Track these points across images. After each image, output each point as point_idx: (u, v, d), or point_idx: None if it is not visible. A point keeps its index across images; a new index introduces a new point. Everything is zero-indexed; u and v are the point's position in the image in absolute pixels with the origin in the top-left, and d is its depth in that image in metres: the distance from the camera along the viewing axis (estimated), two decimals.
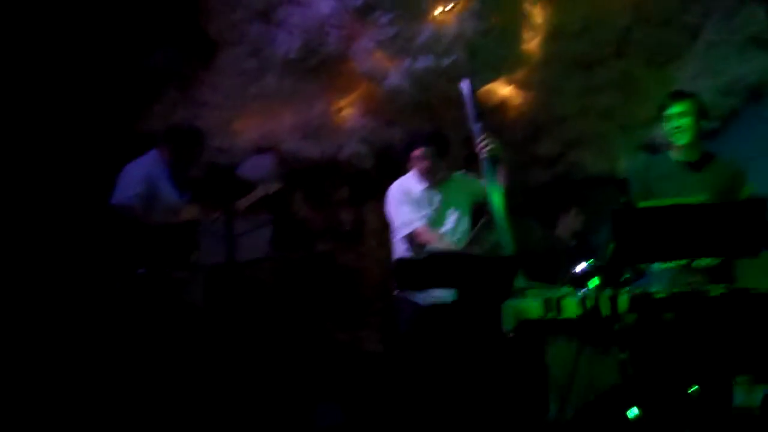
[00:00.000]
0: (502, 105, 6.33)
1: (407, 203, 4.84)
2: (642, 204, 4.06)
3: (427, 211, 4.83)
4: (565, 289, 4.29)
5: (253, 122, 6.28)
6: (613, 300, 3.86)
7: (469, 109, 4.86)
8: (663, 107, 4.53)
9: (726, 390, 4.14)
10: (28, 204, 5.69)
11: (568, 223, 5.84)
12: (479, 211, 4.88)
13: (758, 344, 3.88)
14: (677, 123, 4.46)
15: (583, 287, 4.15)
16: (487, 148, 4.75)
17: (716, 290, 3.91)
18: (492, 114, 6.25)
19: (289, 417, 5.00)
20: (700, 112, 4.50)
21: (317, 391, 5.33)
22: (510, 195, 5.05)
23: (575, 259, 4.60)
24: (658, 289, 4.02)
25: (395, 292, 4.71)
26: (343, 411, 5.11)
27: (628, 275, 4.34)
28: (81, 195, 5.68)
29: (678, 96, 4.54)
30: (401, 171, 5.06)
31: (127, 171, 5.20)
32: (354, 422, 5.02)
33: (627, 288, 4.05)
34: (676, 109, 4.47)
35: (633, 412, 3.71)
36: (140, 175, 5.16)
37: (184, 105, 6.36)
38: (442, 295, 4.56)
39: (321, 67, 6.20)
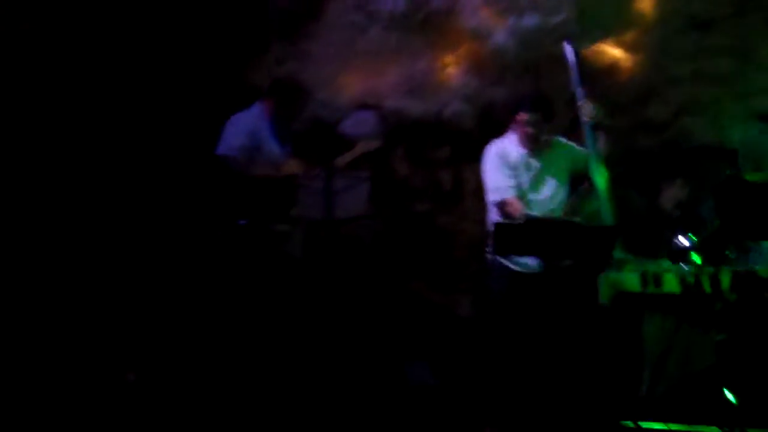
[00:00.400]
0: (611, 67, 6.14)
1: (503, 167, 4.76)
2: (751, 177, 3.91)
3: (523, 178, 4.76)
4: (665, 263, 4.20)
5: (357, 77, 6.29)
6: (715, 278, 3.75)
7: (573, 71, 4.75)
8: None
9: None
10: (138, 151, 5.89)
11: (673, 194, 5.65)
12: (579, 179, 4.78)
13: None
14: None
15: (683, 262, 4.06)
16: (589, 113, 4.63)
17: None
18: (600, 76, 6.08)
19: (382, 374, 5.09)
20: None
21: (409, 351, 5.39)
22: (612, 162, 4.96)
23: (677, 231, 4.49)
24: (761, 268, 3.88)
25: (488, 256, 4.68)
26: (434, 372, 5.16)
27: (732, 252, 4.22)
28: (188, 144, 5.83)
29: None
30: (503, 132, 4.98)
31: (232, 122, 5.32)
32: (444, 384, 5.07)
33: (730, 266, 3.94)
34: None
35: (728, 395, 3.63)
36: (245, 127, 5.27)
37: (291, 57, 6.43)
38: (536, 262, 4.53)
39: (426, 22, 6.15)
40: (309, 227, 5.06)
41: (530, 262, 4.58)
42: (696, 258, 3.99)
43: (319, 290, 5.16)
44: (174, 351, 5.18)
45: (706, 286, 3.79)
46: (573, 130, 4.95)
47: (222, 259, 5.15)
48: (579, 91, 4.74)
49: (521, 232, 4.20)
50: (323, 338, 5.01)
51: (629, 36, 6.07)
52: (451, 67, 6.25)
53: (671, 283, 3.91)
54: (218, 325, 5.12)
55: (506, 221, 4.58)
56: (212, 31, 6.12)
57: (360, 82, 6.26)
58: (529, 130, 4.74)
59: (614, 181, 4.86)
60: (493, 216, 4.78)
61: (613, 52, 6.15)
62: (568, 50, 4.80)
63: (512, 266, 4.66)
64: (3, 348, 4.96)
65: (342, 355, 5.03)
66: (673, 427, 3.89)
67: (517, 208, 4.63)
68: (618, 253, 4.21)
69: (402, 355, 5.33)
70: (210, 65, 6.12)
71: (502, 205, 4.70)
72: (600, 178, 4.59)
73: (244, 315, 4.99)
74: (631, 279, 3.99)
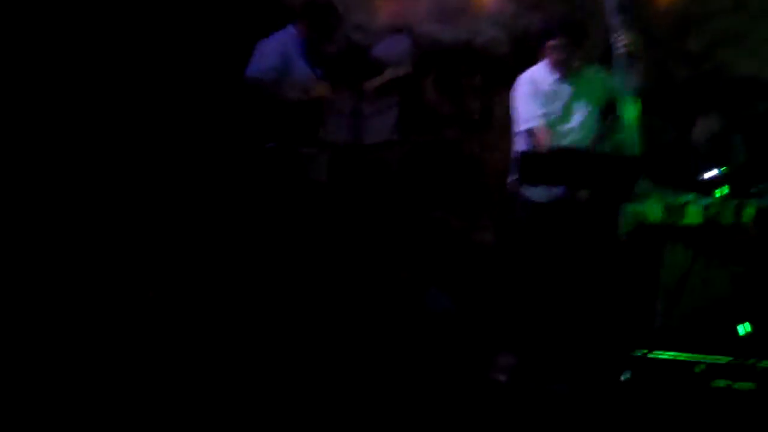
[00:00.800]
0: None
1: (535, 95, 4.73)
2: None
3: (554, 106, 4.72)
4: (691, 195, 4.17)
5: (390, 1, 6.22)
6: (739, 211, 3.72)
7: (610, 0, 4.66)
8: None
9: None
10: (168, 73, 5.92)
11: (707, 126, 5.56)
12: (610, 108, 4.73)
13: None
14: None
15: (710, 195, 4.03)
16: (625, 43, 4.56)
17: None
18: (639, 7, 5.95)
19: (401, 299, 5.15)
20: None
21: (429, 276, 5.44)
22: (647, 94, 4.88)
23: (709, 164, 4.45)
24: None
25: (509, 185, 4.68)
26: (453, 299, 5.22)
27: (760, 187, 4.18)
28: (220, 66, 5.84)
29: None
30: (536, 60, 4.93)
31: (263, 45, 5.31)
32: (463, 310, 5.12)
33: (756, 200, 3.90)
34: None
35: (744, 327, 3.62)
36: (276, 49, 5.26)
37: None
38: (559, 191, 4.52)
39: None
40: (335, 151, 5.08)
41: (553, 192, 4.58)
42: (723, 190, 3.95)
43: (343, 214, 5.20)
44: (203, 275, 5.28)
45: (729, 218, 3.76)
46: (607, 59, 4.87)
47: (251, 182, 5.20)
48: (615, 20, 4.65)
49: (546, 161, 4.19)
50: (345, 263, 5.07)
51: None
52: None
53: (693, 215, 3.89)
54: (246, 249, 5.20)
55: (532, 150, 4.58)
56: None
57: (393, 6, 6.18)
58: (560, 54, 4.70)
59: (647, 113, 4.81)
60: (521, 145, 4.78)
61: None
62: None
63: (534, 197, 4.66)
64: None
65: (363, 280, 5.09)
66: (684, 356, 3.91)
67: (543, 139, 4.62)
68: (644, 185, 4.17)
69: (423, 281, 5.39)
70: None
71: (529, 135, 4.68)
72: (630, 108, 4.53)
73: (269, 239, 5.05)
74: (654, 210, 3.97)
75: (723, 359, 3.80)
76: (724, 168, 4.12)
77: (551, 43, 4.72)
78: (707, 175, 4.26)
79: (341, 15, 5.60)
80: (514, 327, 4.60)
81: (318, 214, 5.07)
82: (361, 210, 5.43)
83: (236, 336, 4.62)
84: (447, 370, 4.49)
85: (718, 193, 3.91)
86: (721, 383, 3.80)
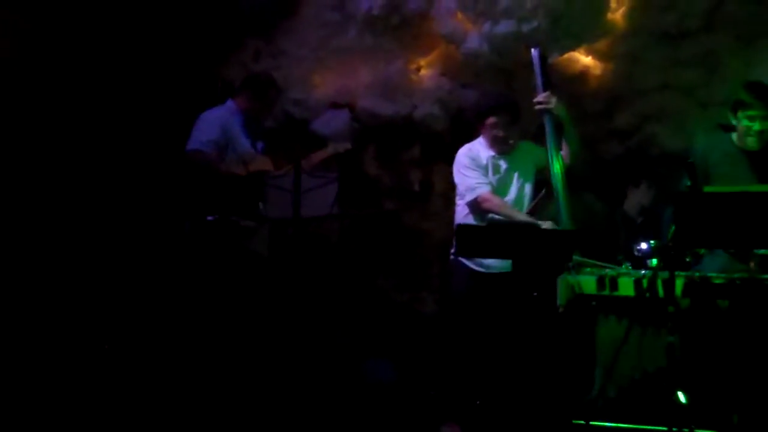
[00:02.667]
0: (582, 75, 6.24)
1: (474, 168, 4.87)
2: (707, 189, 4.01)
3: (492, 179, 4.86)
4: (624, 267, 4.30)
5: (330, 76, 6.36)
6: (670, 283, 3.83)
7: (538, 77, 4.86)
8: (741, 103, 4.35)
9: None
10: (104, 145, 5.92)
11: (637, 199, 5.77)
12: (543, 181, 4.88)
13: None
14: (755, 127, 4.31)
15: (642, 267, 4.15)
16: (544, 102, 4.74)
17: None
18: (571, 83, 6.18)
19: (341, 371, 5.14)
20: None
21: (371, 348, 5.45)
22: (578, 167, 5.05)
23: (640, 236, 4.60)
24: (715, 274, 3.98)
25: (452, 257, 4.77)
26: (396, 369, 5.23)
27: (689, 258, 4.33)
28: (158, 139, 5.87)
29: (761, 96, 4.32)
30: (473, 135, 5.08)
31: (203, 118, 5.34)
32: (405, 381, 5.14)
33: (685, 271, 4.04)
34: (755, 111, 4.30)
35: (679, 396, 3.71)
36: (216, 122, 5.29)
37: (265, 54, 6.48)
38: (498, 263, 4.63)
39: (402, 25, 6.23)
40: (276, 225, 5.10)
41: (492, 263, 4.69)
42: (654, 263, 4.08)
43: (284, 288, 5.21)
44: (137, 345, 5.22)
45: (660, 291, 3.89)
46: (540, 136, 5.04)
47: (189, 254, 5.17)
48: (542, 95, 4.85)
49: (483, 234, 4.28)
50: (286, 335, 5.05)
51: (600, 45, 6.17)
52: (425, 70, 6.34)
53: (626, 287, 4.01)
54: (182, 320, 5.15)
55: (470, 223, 4.69)
56: (186, 26, 6.15)
57: (333, 81, 6.33)
58: (498, 132, 4.84)
59: (579, 187, 4.97)
60: (461, 217, 4.89)
61: (584, 60, 6.25)
62: (535, 56, 4.91)
63: (474, 267, 4.76)
64: None
65: (304, 353, 5.07)
66: (623, 426, 3.98)
67: (496, 203, 4.74)
68: (577, 257, 4.29)
69: (365, 352, 5.39)
70: (183, 60, 6.16)
71: (480, 203, 4.78)
72: (558, 178, 4.69)
73: (208, 311, 5.01)
74: (588, 282, 4.07)
75: (660, 428, 3.86)
76: (655, 241, 4.25)
77: (489, 120, 4.87)
78: (639, 248, 4.40)
79: (281, 90, 5.68)
80: (456, 397, 4.63)
81: (259, 287, 5.06)
82: (303, 283, 5.44)
83: (175, 406, 4.56)
84: None
85: (651, 266, 4.02)
86: None
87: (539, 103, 4.81)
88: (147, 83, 6.08)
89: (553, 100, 4.81)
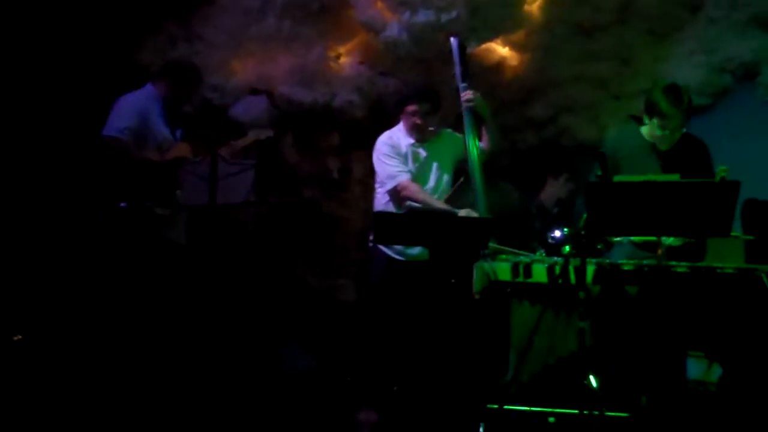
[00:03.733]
0: (499, 65, 6.34)
1: (394, 156, 4.89)
2: (616, 178, 4.12)
3: (411, 167, 4.89)
4: (538, 255, 4.39)
5: (249, 63, 6.30)
6: (581, 270, 3.92)
7: (457, 67, 4.91)
8: (659, 112, 4.31)
9: (680, 364, 4.27)
10: (18, 130, 5.74)
11: (554, 189, 5.90)
12: (460, 171, 4.95)
13: (716, 323, 3.97)
14: (667, 134, 4.35)
15: (556, 254, 4.24)
16: (468, 98, 4.80)
17: (681, 267, 4.00)
18: (488, 73, 6.27)
19: (259, 359, 5.13)
20: (689, 113, 4.38)
21: (288, 336, 5.45)
22: (497, 156, 5.13)
23: (555, 225, 4.70)
24: (624, 261, 4.10)
25: (370, 244, 4.80)
26: (314, 356, 5.24)
27: (601, 246, 4.45)
28: (72, 125, 5.72)
29: (675, 99, 4.29)
30: (393, 122, 5.10)
31: (120, 103, 5.22)
32: (323, 368, 5.15)
33: (596, 259, 4.14)
34: (672, 122, 4.30)
35: (590, 380, 3.81)
36: (133, 108, 5.17)
37: (183, 40, 6.38)
38: (416, 251, 4.68)
39: (321, 12, 6.21)
40: (193, 212, 5.03)
41: (410, 250, 4.74)
42: (567, 250, 4.17)
43: (202, 276, 5.15)
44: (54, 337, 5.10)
45: (572, 277, 3.98)
46: (459, 124, 5.10)
47: (105, 243, 5.07)
48: (462, 86, 4.91)
49: (400, 222, 4.32)
50: (205, 323, 5.01)
51: (517, 36, 6.28)
52: (344, 58, 6.33)
53: (540, 274, 4.09)
54: (97, 308, 5.06)
55: (388, 211, 4.73)
56: (101, 9, 6.00)
57: (252, 67, 6.27)
58: (417, 120, 4.88)
59: (497, 175, 5.05)
60: (380, 205, 4.92)
61: (501, 51, 6.35)
62: (454, 45, 4.95)
63: (392, 254, 4.80)
64: None
65: (222, 340, 5.04)
66: (536, 409, 4.08)
67: (415, 191, 4.77)
68: (492, 245, 4.36)
69: (283, 339, 5.39)
70: (100, 44, 6.01)
71: (398, 191, 4.81)
72: (476, 168, 4.76)
73: (124, 299, 4.93)
74: (502, 269, 4.14)
75: (572, 411, 3.96)
76: (568, 229, 4.34)
77: (410, 108, 4.90)
78: (552, 236, 4.49)
79: (199, 76, 5.60)
80: (375, 383, 4.67)
81: (176, 275, 4.99)
82: (220, 271, 5.39)
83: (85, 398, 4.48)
84: (306, 430, 4.50)
85: (564, 253, 4.11)
86: None
87: (466, 100, 4.83)
88: (60, 67, 5.91)
89: (477, 97, 4.85)
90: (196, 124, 5.71)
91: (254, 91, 6.22)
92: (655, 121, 4.36)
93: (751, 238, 4.63)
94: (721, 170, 4.09)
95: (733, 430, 4.17)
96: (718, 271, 3.99)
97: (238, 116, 6.12)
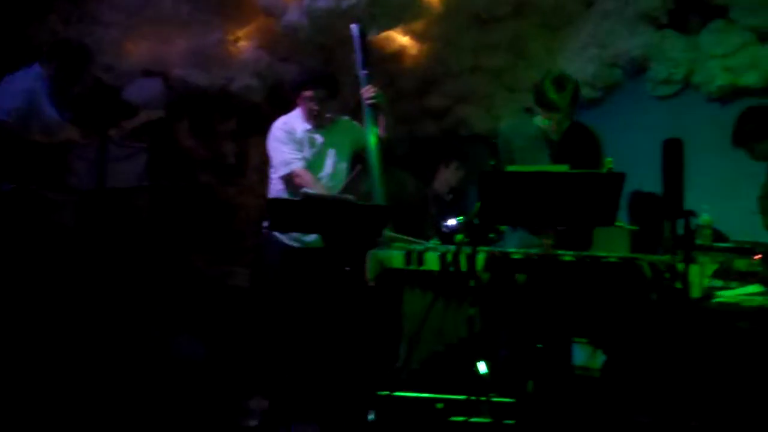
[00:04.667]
0: (399, 54, 6.38)
1: (289, 142, 4.85)
2: (508, 168, 4.20)
3: (307, 153, 4.87)
4: (433, 243, 4.44)
5: (144, 44, 6.14)
6: (471, 257, 3.99)
7: (358, 54, 4.90)
8: (546, 103, 4.39)
9: (566, 350, 4.40)
10: None
11: (447, 178, 5.97)
12: (358, 158, 4.95)
13: (600, 310, 4.09)
14: (552, 118, 4.42)
15: (450, 242, 4.29)
16: (370, 95, 4.81)
17: (568, 256, 4.11)
18: (387, 62, 6.31)
19: (149, 346, 5.04)
20: (576, 102, 4.47)
21: (180, 323, 5.37)
22: (393, 145, 5.16)
23: (449, 214, 4.76)
24: (513, 250, 4.19)
25: (264, 231, 4.77)
26: (206, 345, 5.18)
27: (493, 235, 4.53)
28: None
29: (560, 89, 4.37)
30: (292, 108, 5.06)
31: (6, 83, 5.05)
32: (215, 356, 5.11)
33: (487, 247, 4.22)
34: (554, 101, 4.36)
35: (478, 366, 3.89)
36: (20, 88, 5.02)
37: (76, 18, 6.19)
38: (312, 238, 4.68)
39: None
40: (83, 196, 4.90)
41: (306, 237, 4.73)
42: (460, 238, 4.23)
43: (90, 260, 5.02)
44: None
45: (463, 265, 4.04)
46: (358, 111, 5.10)
47: None
48: (362, 73, 4.89)
49: (295, 208, 4.29)
50: (93, 310, 4.89)
51: (417, 26, 6.33)
52: (242, 42, 6.25)
53: (432, 262, 4.13)
54: None
55: (282, 198, 4.70)
56: None
57: (148, 49, 6.12)
58: (314, 106, 4.85)
59: (393, 163, 5.07)
60: (275, 191, 4.89)
61: (401, 39, 6.39)
62: (355, 32, 4.94)
63: (288, 241, 4.79)
64: None
65: (111, 327, 4.93)
66: (425, 396, 4.14)
67: (308, 179, 4.75)
68: (388, 233, 4.39)
69: (174, 327, 5.30)
70: None
71: (292, 177, 4.78)
72: (374, 158, 4.78)
73: (6, 283, 4.77)
74: (396, 257, 4.16)
75: (460, 396, 4.04)
76: (461, 217, 4.40)
77: (306, 93, 4.86)
78: (446, 224, 4.56)
79: (91, 56, 5.45)
80: (266, 371, 4.65)
81: (63, 260, 4.86)
82: (111, 256, 5.26)
83: None
84: (197, 418, 4.45)
85: (457, 241, 4.16)
86: (459, 418, 4.03)
87: (368, 98, 4.83)
88: None
89: (378, 91, 4.86)
90: (87, 105, 5.55)
91: (149, 73, 6.08)
92: (542, 110, 4.46)
93: (635, 228, 4.79)
94: (607, 162, 4.22)
95: (616, 415, 4.32)
96: (603, 260, 4.10)
97: (131, 98, 5.98)
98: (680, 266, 3.85)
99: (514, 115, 6.15)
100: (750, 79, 5.83)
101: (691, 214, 3.66)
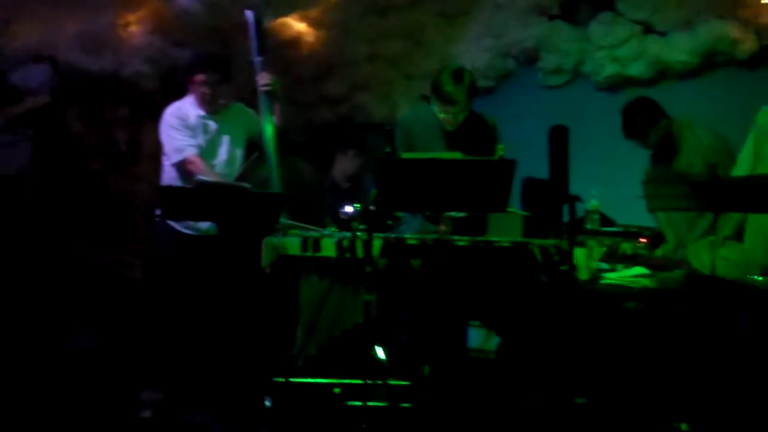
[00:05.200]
0: (295, 41, 6.34)
1: (182, 129, 4.76)
2: (404, 155, 4.24)
3: (201, 140, 4.80)
4: (329, 230, 4.44)
5: (32, 26, 5.90)
6: (368, 244, 4.01)
7: (252, 41, 4.85)
8: (441, 96, 4.44)
9: (461, 334, 4.49)
10: None
11: (344, 166, 5.98)
12: (254, 146, 4.90)
13: (494, 294, 4.18)
14: (450, 111, 4.47)
15: (348, 229, 4.30)
16: (265, 82, 4.77)
17: (462, 241, 4.18)
18: (284, 48, 6.27)
19: (40, 338, 4.89)
20: (473, 95, 4.52)
21: (71, 314, 5.22)
22: (290, 132, 5.13)
23: (346, 201, 4.77)
24: (409, 236, 4.24)
25: (157, 219, 4.67)
26: (98, 335, 5.06)
27: (390, 222, 4.57)
28: None
29: (457, 83, 4.42)
30: (185, 95, 4.97)
31: None
32: (108, 347, 4.99)
33: (384, 233, 4.25)
34: (450, 94, 4.42)
35: (376, 351, 3.92)
36: None
37: None
38: (206, 225, 4.62)
39: None
40: None
41: (200, 225, 4.66)
42: (357, 225, 4.25)
43: None
44: None
45: (360, 252, 4.06)
46: (254, 99, 5.05)
47: None
48: (257, 60, 4.85)
49: (189, 196, 4.22)
50: None
51: (313, 13, 6.31)
52: (134, 26, 6.08)
53: (329, 248, 4.14)
54: None
55: (175, 185, 4.62)
56: None
57: (35, 32, 5.89)
58: (207, 90, 4.76)
59: (290, 151, 5.04)
60: (168, 178, 4.79)
61: (297, 26, 6.35)
62: (249, 18, 4.89)
63: (182, 229, 4.71)
64: None
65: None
66: (322, 381, 4.16)
67: (201, 167, 4.68)
68: (284, 220, 4.36)
69: (65, 318, 5.16)
70: None
71: (185, 164, 4.70)
72: (270, 145, 4.75)
73: None
74: (292, 243, 4.16)
75: (357, 381, 4.06)
76: (359, 204, 4.41)
77: (198, 78, 4.77)
78: (344, 211, 4.56)
79: None
80: (160, 362, 4.57)
81: None
82: None
83: None
84: (90, 411, 4.34)
85: (354, 228, 4.18)
86: (356, 403, 4.06)
87: (263, 85, 4.78)
88: None
89: (274, 79, 4.81)
90: None
91: (37, 57, 5.86)
92: (439, 102, 4.51)
93: (526, 214, 4.90)
94: (499, 149, 4.30)
95: (511, 396, 4.43)
96: (495, 245, 4.19)
97: (17, 83, 5.75)
98: (567, 249, 3.96)
99: (412, 103, 6.21)
100: (636, 69, 6.04)
101: (577, 198, 3.76)
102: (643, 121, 4.94)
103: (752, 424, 3.95)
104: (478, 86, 4.67)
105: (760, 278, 3.84)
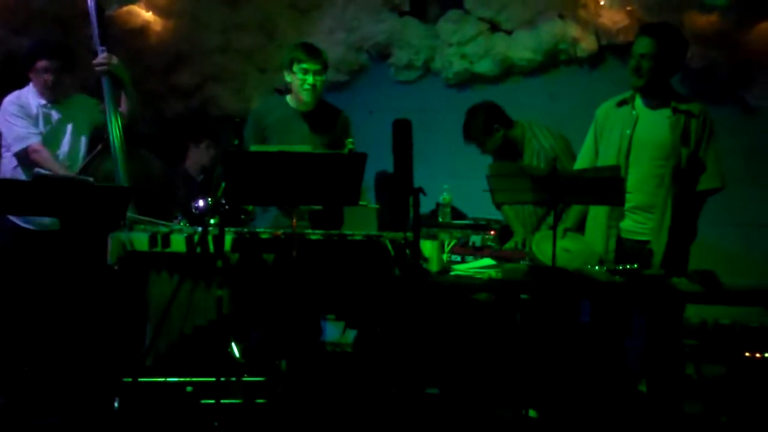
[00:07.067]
0: (143, 30, 6.16)
1: (23, 117, 4.60)
2: (253, 148, 4.19)
3: (43, 130, 4.61)
4: (181, 225, 4.33)
5: None
6: (219, 238, 3.94)
7: (94, 29, 4.70)
8: (296, 57, 4.56)
9: (316, 327, 4.49)
10: None
11: (198, 157, 5.86)
12: (99, 138, 4.73)
13: (348, 287, 4.19)
14: (308, 80, 4.54)
15: (200, 224, 4.21)
16: (100, 63, 4.61)
17: (316, 234, 4.17)
18: (131, 37, 6.08)
19: None
20: (326, 65, 4.64)
21: None
22: (138, 124, 4.97)
23: (199, 195, 4.67)
24: (262, 230, 4.19)
25: None
26: None
27: (244, 217, 4.51)
28: None
29: (312, 51, 4.60)
30: (25, 84, 4.74)
31: None
32: None
33: (237, 228, 4.18)
34: (308, 65, 4.53)
35: (232, 347, 3.87)
36: None
37: None
38: (46, 220, 4.42)
39: None
40: None
41: (42, 219, 4.46)
42: (210, 220, 4.16)
43: None
44: None
45: (211, 246, 3.99)
46: (99, 90, 4.86)
47: None
48: (100, 50, 4.69)
49: (27, 189, 4.01)
50: None
51: (160, 2, 6.16)
52: None
53: (178, 243, 4.04)
54: None
55: (13, 178, 4.42)
56: None
57: None
58: (49, 77, 4.60)
59: (138, 144, 4.89)
60: (7, 170, 4.59)
61: (144, 15, 6.17)
62: (91, 6, 4.72)
63: (22, 224, 4.51)
64: None
65: None
66: (172, 380, 4.06)
67: (45, 156, 4.52)
68: (131, 215, 4.23)
69: None
70: None
71: (27, 154, 4.52)
72: (116, 136, 4.59)
73: None
74: (140, 239, 4.04)
75: (210, 379, 3.98)
76: (212, 198, 4.32)
77: (40, 64, 4.61)
78: (196, 205, 4.48)
79: None
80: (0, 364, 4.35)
81: None
82: None
83: None
84: None
85: (206, 222, 4.09)
86: (210, 401, 3.99)
87: (99, 64, 4.62)
88: None
89: (114, 60, 4.65)
90: None
91: None
92: (295, 68, 4.56)
93: (377, 207, 4.96)
94: (348, 143, 4.32)
95: (368, 388, 4.47)
96: (349, 238, 4.20)
97: None
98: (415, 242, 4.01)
99: (265, 95, 6.16)
100: (484, 66, 6.20)
101: (420, 191, 3.81)
102: (480, 129, 5.06)
103: (595, 408, 4.14)
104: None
105: (598, 268, 4.01)
